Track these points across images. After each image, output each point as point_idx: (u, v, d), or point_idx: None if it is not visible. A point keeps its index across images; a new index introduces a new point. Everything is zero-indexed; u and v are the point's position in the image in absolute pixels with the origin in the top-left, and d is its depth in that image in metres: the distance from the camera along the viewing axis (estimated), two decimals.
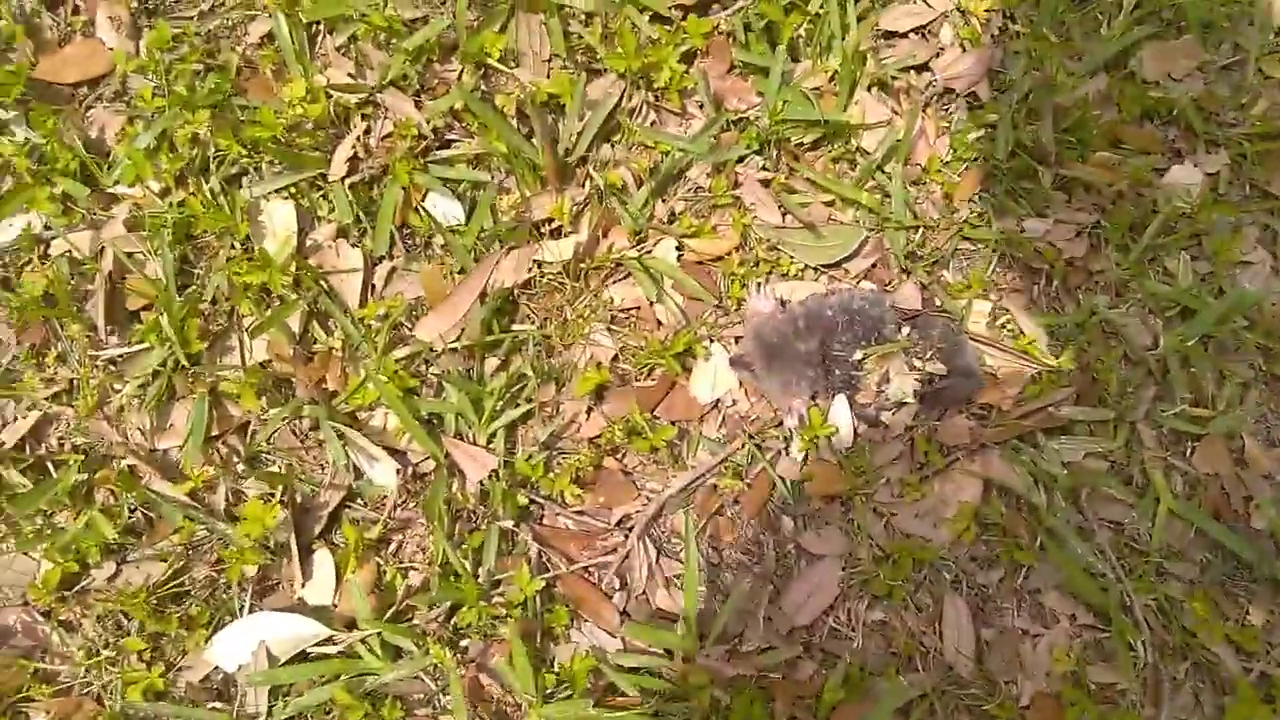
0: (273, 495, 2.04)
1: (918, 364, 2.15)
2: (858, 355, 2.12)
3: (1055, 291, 2.30)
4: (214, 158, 2.22)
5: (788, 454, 2.17)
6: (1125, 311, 2.26)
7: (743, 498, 2.15)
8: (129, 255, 2.15)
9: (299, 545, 2.01)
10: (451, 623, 1.95)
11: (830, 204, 2.35)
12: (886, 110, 2.39)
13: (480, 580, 2.00)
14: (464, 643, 1.97)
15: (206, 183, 2.20)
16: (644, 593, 2.07)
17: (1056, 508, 2.11)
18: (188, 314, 2.10)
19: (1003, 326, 2.28)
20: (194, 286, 2.17)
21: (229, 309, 2.16)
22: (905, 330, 2.18)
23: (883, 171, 2.35)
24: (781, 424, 2.17)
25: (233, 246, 2.16)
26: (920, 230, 2.33)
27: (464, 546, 2.02)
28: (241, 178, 2.26)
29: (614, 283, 2.27)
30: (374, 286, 2.21)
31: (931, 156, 2.37)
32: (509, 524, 2.01)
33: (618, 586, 2.05)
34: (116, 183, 2.22)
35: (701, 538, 2.12)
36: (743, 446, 2.17)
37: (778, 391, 2.13)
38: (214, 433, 2.08)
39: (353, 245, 2.22)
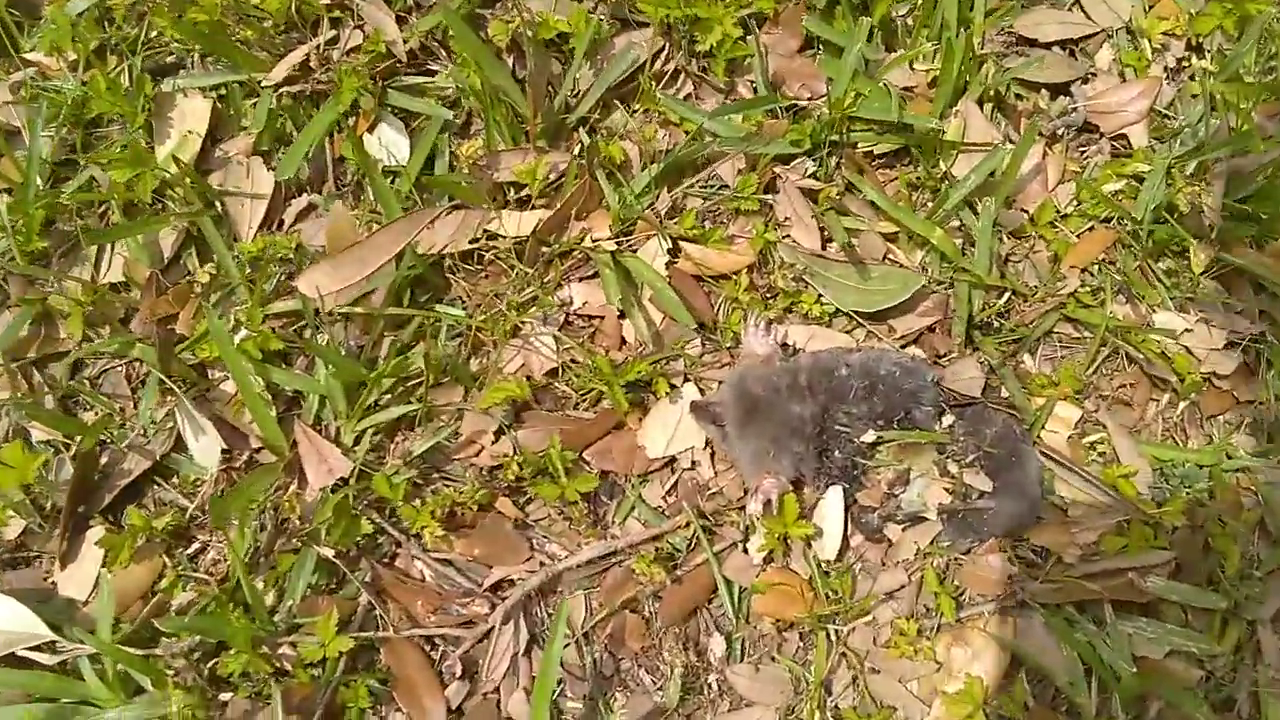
0: (67, 446, 1.58)
1: (954, 469, 1.52)
2: (869, 436, 1.52)
3: (1180, 417, 1.64)
4: (145, 41, 1.83)
5: (744, 550, 1.58)
6: (1275, 464, 1.55)
7: (668, 595, 1.57)
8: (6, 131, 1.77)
9: (75, 515, 1.55)
10: (213, 666, 1.43)
11: (891, 238, 1.78)
12: (996, 133, 1.81)
13: (276, 619, 1.47)
14: (224, 696, 1.43)
15: (125, 64, 1.80)
16: (494, 692, 1.50)
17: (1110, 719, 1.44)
18: (46, 206, 1.69)
19: (1091, 447, 1.64)
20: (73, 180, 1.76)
21: (101, 212, 1.74)
22: (948, 420, 1.55)
23: (971, 210, 1.74)
24: (745, 508, 1.57)
25: (124, 147, 1.74)
26: (1005, 295, 1.71)
27: (272, 570, 1.50)
28: (177, 70, 1.86)
29: (578, 279, 1.74)
30: (282, 223, 1.75)
31: (1045, 203, 1.77)
32: (329, 553, 1.47)
33: (458, 674, 1.48)
34: (34, 49, 1.86)
35: (596, 635, 1.54)
36: (687, 525, 1.59)
37: (748, 461, 1.56)
38: (32, 354, 1.65)
39: (270, 169, 1.77)
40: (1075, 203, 1.79)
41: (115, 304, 1.71)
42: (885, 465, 1.55)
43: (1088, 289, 1.71)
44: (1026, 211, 1.79)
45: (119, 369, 1.71)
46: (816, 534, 1.55)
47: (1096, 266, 1.73)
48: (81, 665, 1.43)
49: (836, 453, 1.55)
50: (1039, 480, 1.56)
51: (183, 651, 1.40)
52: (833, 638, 1.51)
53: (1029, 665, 1.48)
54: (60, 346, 1.69)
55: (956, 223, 1.78)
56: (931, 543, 1.54)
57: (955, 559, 1.54)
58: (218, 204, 1.75)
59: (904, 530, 1.56)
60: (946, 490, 1.53)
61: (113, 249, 1.74)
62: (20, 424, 1.62)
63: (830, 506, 1.57)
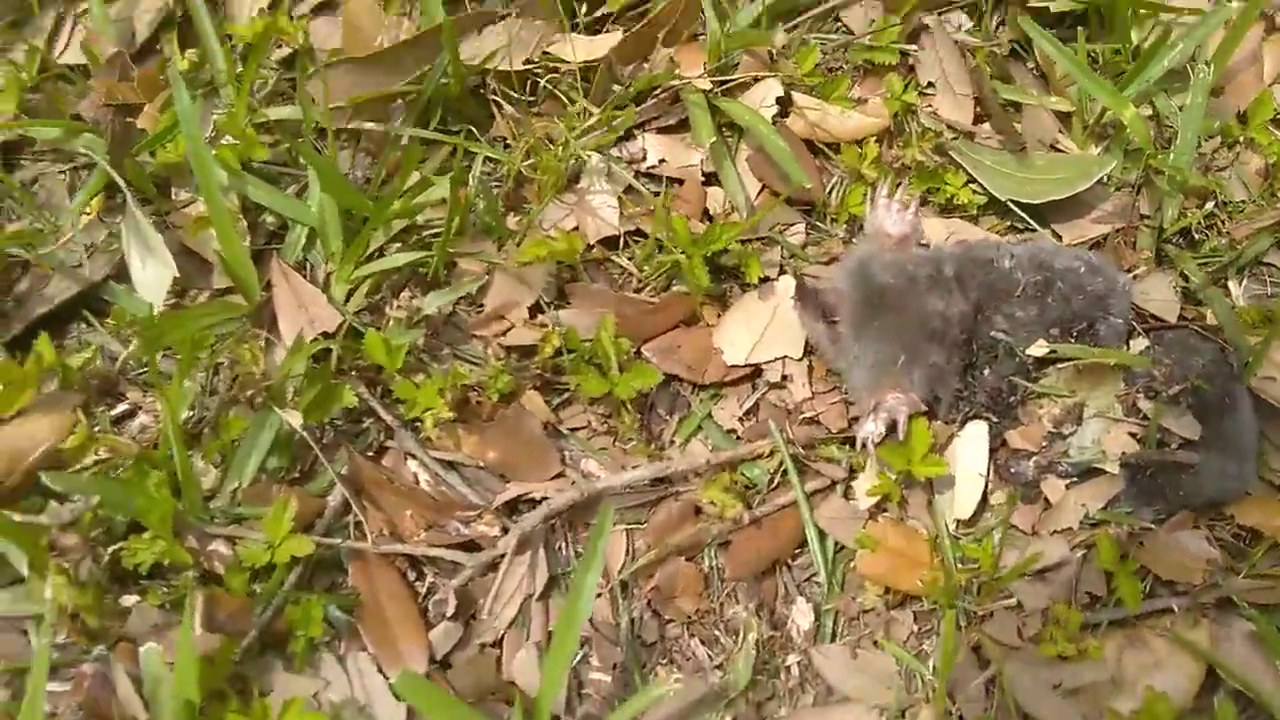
0: None
1: (1146, 407, 1.12)
2: (1039, 349, 1.12)
3: None
4: None
5: (846, 495, 1.18)
6: None
7: (739, 542, 1.17)
8: None
9: None
10: (113, 551, 1.04)
11: (1064, 117, 1.36)
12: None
13: (212, 506, 1.09)
14: (127, 599, 1.05)
15: None
16: (494, 645, 1.11)
17: None
18: None
19: None
20: None
21: None
22: (1140, 344, 1.16)
23: (1165, 93, 1.34)
24: (852, 438, 1.18)
25: None
26: (1209, 202, 1.30)
27: (215, 440, 1.12)
28: None
29: (655, 129, 1.35)
30: (289, 12, 1.37)
31: (1261, 98, 1.37)
32: (296, 419, 1.08)
33: (449, 613, 1.09)
34: None
35: (637, 586, 1.15)
36: (770, 454, 1.19)
37: (866, 372, 1.16)
38: None
39: None
40: None
41: (66, 93, 1.33)
42: (1051, 394, 1.16)
43: None
44: (1238, 108, 1.40)
45: (59, 176, 1.33)
46: (946, 474, 1.15)
47: None
48: None
49: (987, 371, 1.15)
50: (1255, 435, 1.16)
51: (77, 525, 1.01)
52: (962, 620, 1.12)
53: (1235, 685, 1.08)
54: None
55: (1148, 111, 1.39)
56: (1106, 507, 1.14)
57: (1135, 531, 1.14)
58: None
59: (1068, 487, 1.15)
60: (1132, 436, 1.13)
61: (73, 26, 1.37)
62: None
63: (970, 446, 1.17)
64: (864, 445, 1.15)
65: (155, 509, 1.00)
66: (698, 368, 1.27)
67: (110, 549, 1.04)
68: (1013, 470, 1.17)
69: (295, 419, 1.09)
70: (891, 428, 1.14)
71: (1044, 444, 1.16)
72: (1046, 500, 1.17)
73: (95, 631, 1.04)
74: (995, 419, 1.17)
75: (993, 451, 1.18)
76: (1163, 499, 1.14)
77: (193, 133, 1.18)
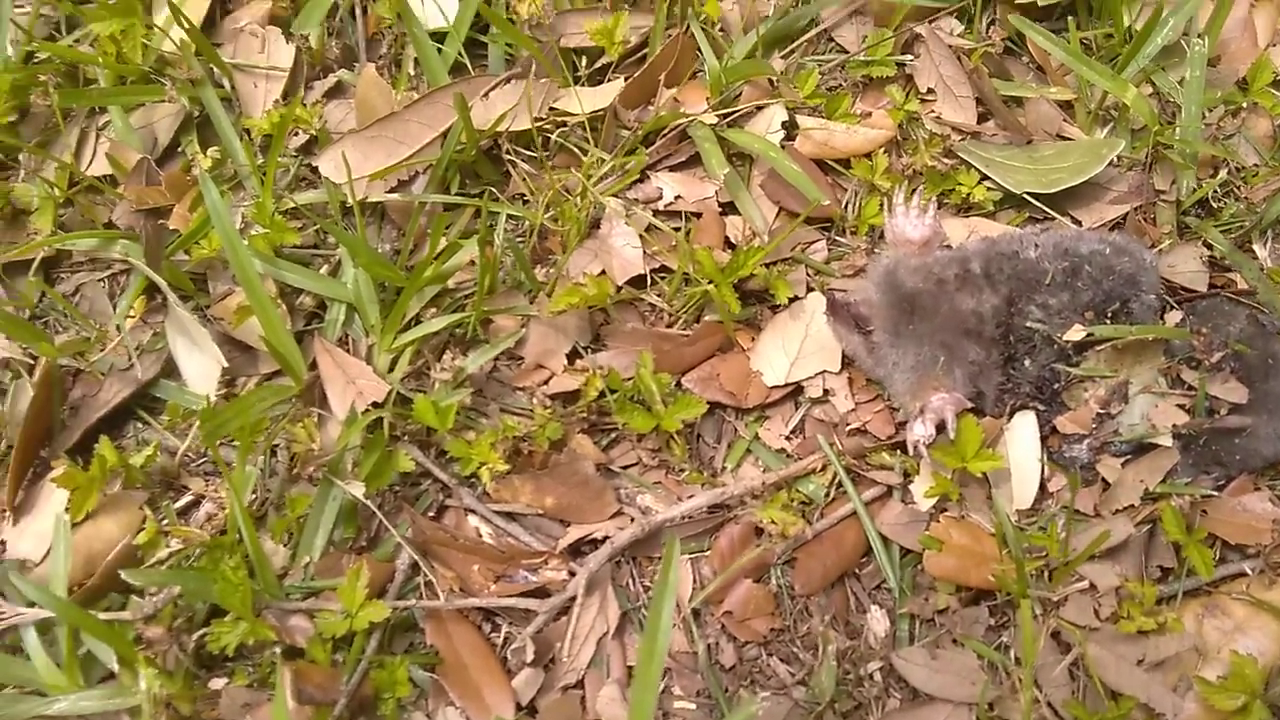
0: (31, 370, 1.26)
1: (1190, 375, 1.15)
2: (1077, 333, 1.15)
3: None
4: None
5: (904, 497, 1.21)
6: None
7: (804, 558, 1.19)
8: None
9: (33, 456, 1.23)
10: (198, 637, 1.08)
11: (1066, 106, 1.41)
12: None
13: (286, 584, 1.13)
14: (216, 682, 1.09)
15: None
16: (576, 685, 1.14)
17: None
18: (21, 78, 1.39)
19: None
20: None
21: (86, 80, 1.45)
22: (1173, 317, 1.19)
23: (1163, 70, 1.40)
24: (902, 443, 1.22)
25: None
26: (1222, 170, 1.34)
27: (281, 519, 1.16)
28: None
29: (667, 168, 1.41)
30: (302, 101, 1.44)
31: (1260, 63, 1.43)
32: (359, 490, 1.13)
33: (529, 659, 1.12)
34: None
35: (710, 610, 1.18)
36: (823, 468, 1.23)
37: (907, 375, 1.20)
38: None
39: (288, 39, 1.46)
40: None
41: (97, 203, 1.40)
42: (1094, 376, 1.19)
43: None
44: (1239, 73, 1.44)
45: (99, 284, 1.39)
46: (1001, 467, 1.18)
47: None
48: (25, 637, 1.09)
49: (1028, 361, 1.19)
50: None
51: (160, 616, 1.05)
52: (1039, 608, 1.14)
53: None
54: (28, 255, 1.38)
55: (1149, 89, 1.44)
56: (1164, 480, 1.17)
57: (1197, 501, 1.16)
58: (226, 82, 1.45)
59: (1124, 464, 1.18)
60: (1181, 408, 1.16)
61: (97, 138, 1.44)
62: None
63: (1021, 436, 1.20)
64: (915, 448, 1.18)
65: (235, 592, 1.04)
66: (739, 393, 1.31)
67: (195, 636, 1.08)
68: (1067, 455, 1.20)
69: (358, 489, 1.14)
70: (941, 427, 1.17)
71: (1094, 425, 1.19)
72: (1104, 481, 1.20)
73: (188, 718, 1.08)
74: (1042, 407, 1.20)
75: (1044, 439, 1.21)
76: (1220, 465, 1.17)
77: (225, 226, 1.24)
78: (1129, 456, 1.19)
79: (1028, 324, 1.17)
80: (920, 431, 1.16)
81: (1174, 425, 1.15)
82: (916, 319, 1.19)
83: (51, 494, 1.23)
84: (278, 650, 1.09)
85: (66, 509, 1.15)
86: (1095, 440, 1.18)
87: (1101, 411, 1.18)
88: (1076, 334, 1.16)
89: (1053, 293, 1.17)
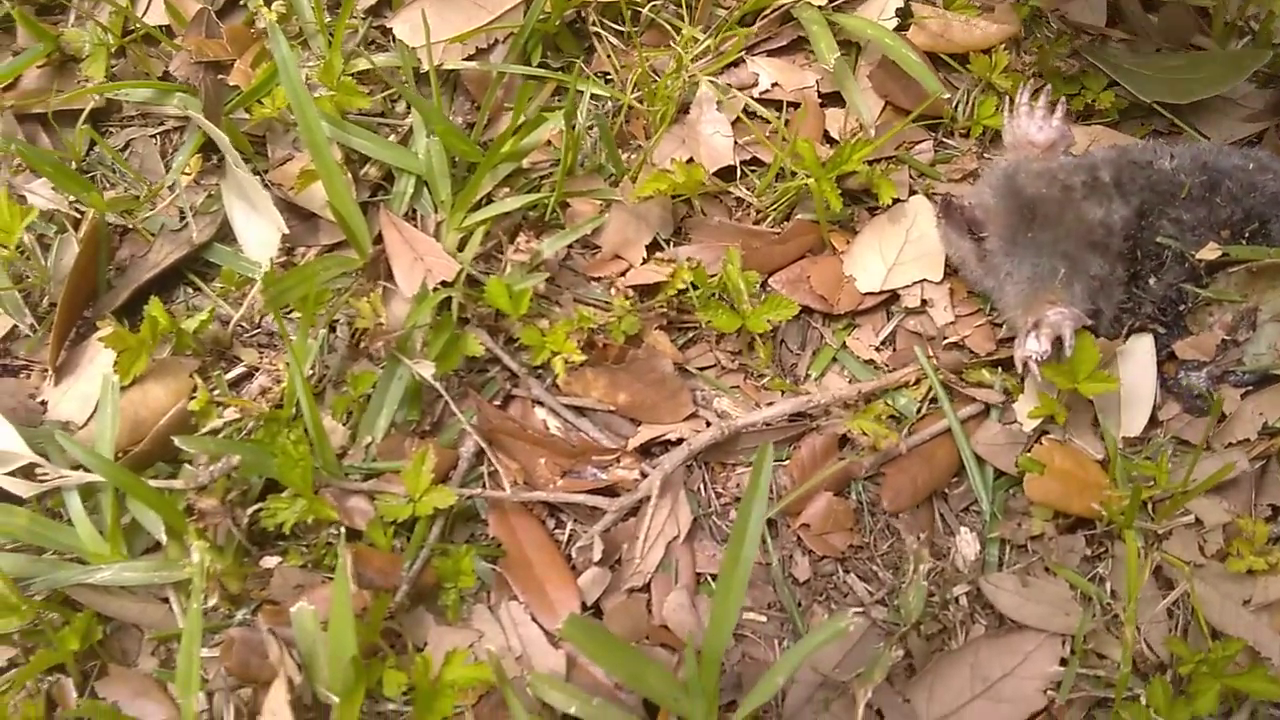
0: (76, 224, 1.20)
1: None
2: (1210, 252, 1.07)
3: None
4: None
5: (1002, 417, 1.14)
6: None
7: (892, 474, 1.13)
8: None
9: (77, 315, 1.17)
10: (252, 513, 1.03)
11: (1203, 14, 1.30)
12: None
13: (346, 464, 1.07)
14: (269, 561, 1.04)
15: None
16: (644, 586, 1.08)
17: None
18: None
19: None
20: None
21: None
22: None
23: None
24: (1002, 360, 1.14)
25: None
26: None
27: (342, 396, 1.10)
28: None
29: (766, 53, 1.31)
30: None
31: None
32: (428, 370, 1.07)
33: (596, 559, 1.07)
34: None
35: (788, 521, 1.12)
36: (916, 382, 1.16)
37: (1020, 289, 1.12)
38: (40, 108, 1.27)
39: None
40: None
41: (152, 55, 1.32)
42: (1223, 300, 1.11)
43: None
44: None
45: (151, 139, 1.32)
46: (1114, 389, 1.11)
47: None
48: (69, 502, 1.04)
49: (1153, 279, 1.11)
50: None
51: (214, 488, 1.00)
52: (1141, 541, 1.07)
53: None
54: (77, 104, 1.31)
55: None
56: None
57: None
58: None
59: (1243, 396, 1.11)
60: None
61: None
62: (10, 185, 1.24)
63: (1136, 359, 1.12)
64: (1025, 365, 1.10)
65: (296, 467, 0.98)
66: (830, 297, 1.23)
67: (248, 511, 1.03)
68: (1184, 382, 1.12)
69: (428, 369, 1.07)
70: (1057, 345, 1.09)
71: (1217, 353, 1.11)
72: (1221, 411, 1.12)
73: (237, 595, 1.03)
74: (1163, 330, 1.12)
75: (1160, 365, 1.14)
76: None
77: (294, 82, 1.16)
78: (1249, 388, 1.11)
79: (1158, 239, 1.09)
80: (1034, 347, 1.08)
81: None
82: (1037, 227, 1.10)
83: (96, 355, 1.17)
84: (335, 532, 1.04)
85: (115, 369, 1.09)
86: (1216, 368, 1.11)
87: (1227, 338, 1.10)
88: (1211, 253, 1.07)
89: (1188, 207, 1.09)
